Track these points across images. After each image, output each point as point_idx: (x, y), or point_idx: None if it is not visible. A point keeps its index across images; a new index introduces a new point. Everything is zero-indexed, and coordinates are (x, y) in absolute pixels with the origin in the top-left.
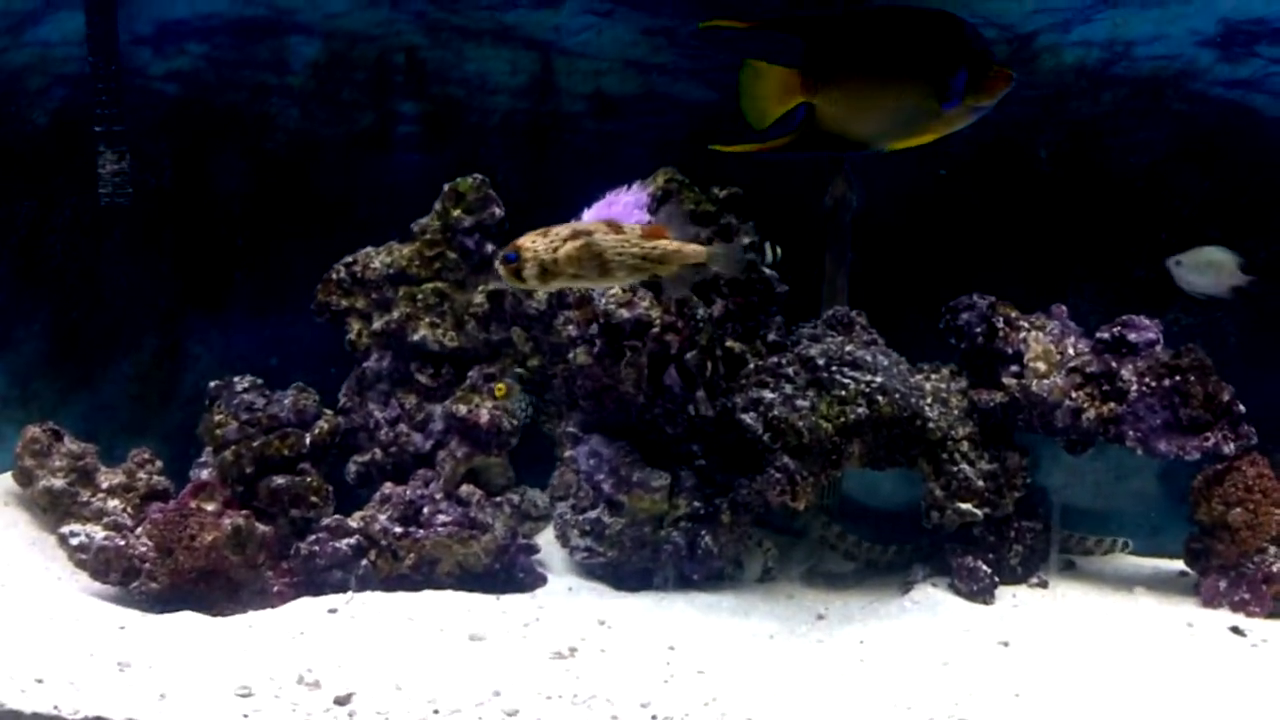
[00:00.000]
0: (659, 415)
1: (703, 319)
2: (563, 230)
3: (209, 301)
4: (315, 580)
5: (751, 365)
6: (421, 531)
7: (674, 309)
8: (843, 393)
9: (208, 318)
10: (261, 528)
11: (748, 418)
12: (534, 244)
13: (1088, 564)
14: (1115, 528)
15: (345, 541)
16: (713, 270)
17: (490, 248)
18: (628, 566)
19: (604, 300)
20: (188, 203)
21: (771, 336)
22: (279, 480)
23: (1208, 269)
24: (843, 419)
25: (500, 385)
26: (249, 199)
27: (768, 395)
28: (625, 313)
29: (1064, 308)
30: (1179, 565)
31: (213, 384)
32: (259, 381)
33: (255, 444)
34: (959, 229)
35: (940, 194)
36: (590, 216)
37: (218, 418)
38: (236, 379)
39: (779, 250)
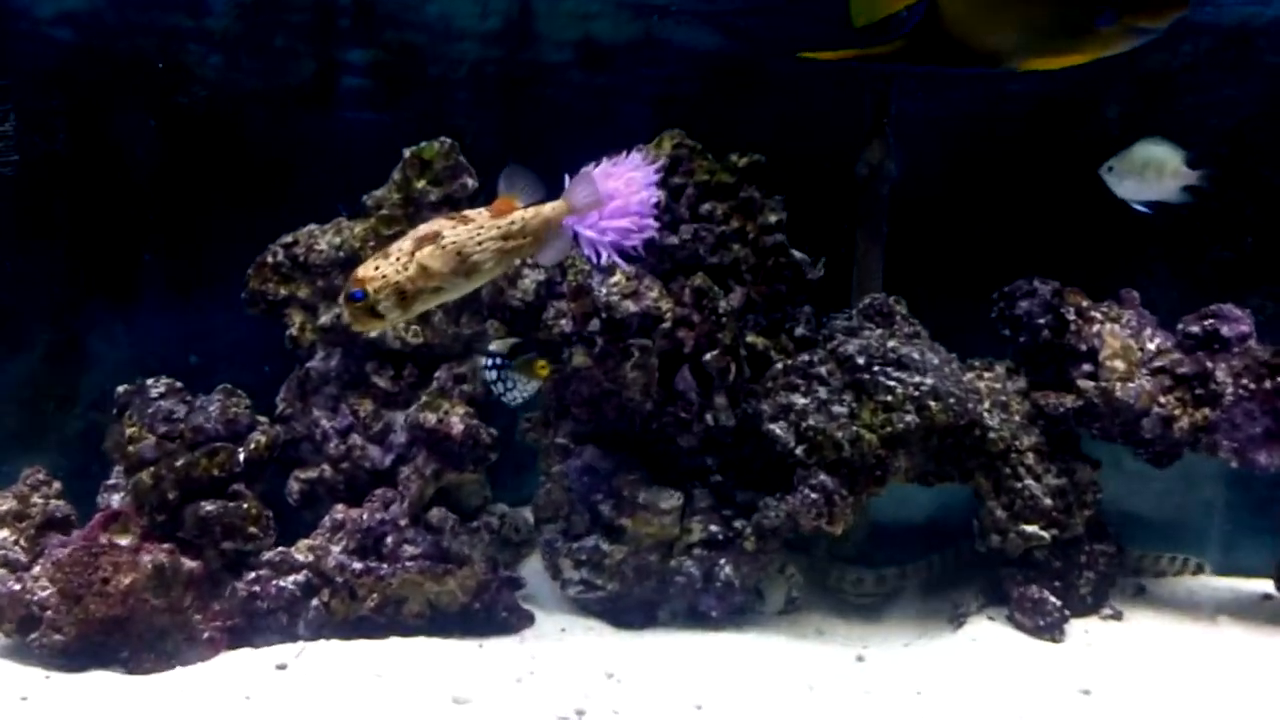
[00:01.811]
0: (669, 424)
1: (724, 312)
2: (403, 243)
3: (114, 289)
4: (256, 625)
5: (779, 365)
6: (385, 566)
7: (689, 300)
8: (888, 397)
9: (113, 308)
10: (188, 564)
11: (777, 428)
12: (378, 270)
13: (1159, 587)
14: (1185, 543)
15: (292, 579)
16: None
17: None
18: (629, 600)
19: (605, 291)
20: (86, 171)
21: (800, 330)
22: (208, 507)
23: (1146, 170)
24: (889, 428)
25: (542, 363)
26: (162, 166)
27: (799, 401)
28: (631, 305)
29: (1136, 294)
30: (1262, 586)
31: (122, 389)
32: (178, 385)
33: (178, 463)
34: (1005, 200)
35: (985, 159)
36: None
37: (130, 430)
38: (150, 382)
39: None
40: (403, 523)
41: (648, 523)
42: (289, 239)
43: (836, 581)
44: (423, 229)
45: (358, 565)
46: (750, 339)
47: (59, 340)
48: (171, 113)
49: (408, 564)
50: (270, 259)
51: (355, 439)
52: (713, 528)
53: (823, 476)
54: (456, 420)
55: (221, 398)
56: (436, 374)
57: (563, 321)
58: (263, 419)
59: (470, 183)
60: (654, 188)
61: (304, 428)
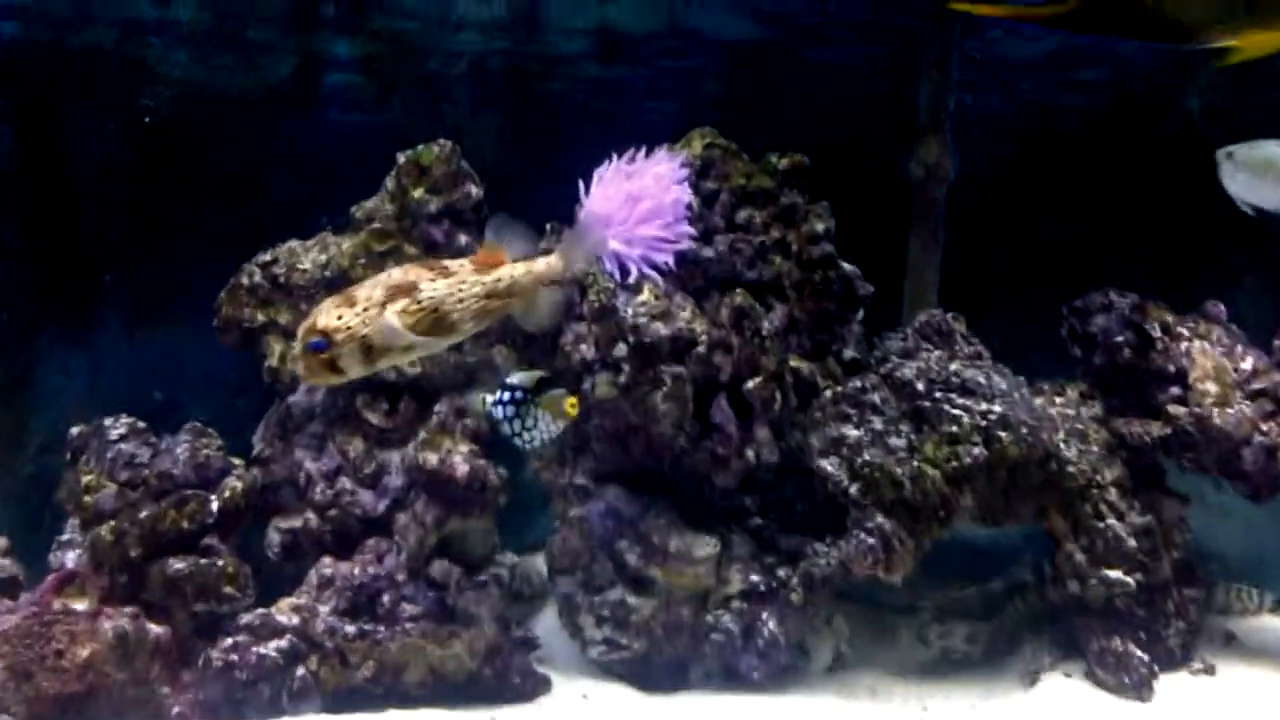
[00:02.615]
0: (704, 461)
1: (766, 334)
2: (374, 290)
3: (69, 314)
4: (234, 698)
5: (828, 393)
6: (382, 629)
7: (727, 320)
8: (953, 428)
9: (68, 336)
10: (155, 629)
11: (827, 464)
12: (343, 321)
13: (1249, 634)
14: (1270, 582)
15: (274, 645)
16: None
17: (464, 239)
18: (659, 660)
19: (632, 311)
20: (36, 181)
21: (849, 353)
22: (177, 564)
23: (1269, 172)
24: (954, 463)
25: (572, 400)
26: (122, 175)
27: (851, 433)
28: (661, 327)
29: (1222, 307)
30: None
31: (76, 430)
32: (140, 425)
33: (141, 515)
34: (1072, 203)
35: (1051, 157)
36: (598, 198)
37: (87, 479)
38: (109, 422)
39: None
40: (400, 578)
41: (680, 572)
42: (267, 257)
43: (920, 634)
44: (397, 275)
45: (350, 628)
46: (794, 363)
47: (6, 373)
48: (132, 116)
49: (407, 625)
50: (246, 280)
51: (344, 483)
52: (753, 577)
53: (880, 519)
54: (460, 460)
55: (190, 439)
56: (436, 408)
57: (583, 347)
58: (238, 461)
59: (474, 191)
60: (685, 186)
61: (285, 471)
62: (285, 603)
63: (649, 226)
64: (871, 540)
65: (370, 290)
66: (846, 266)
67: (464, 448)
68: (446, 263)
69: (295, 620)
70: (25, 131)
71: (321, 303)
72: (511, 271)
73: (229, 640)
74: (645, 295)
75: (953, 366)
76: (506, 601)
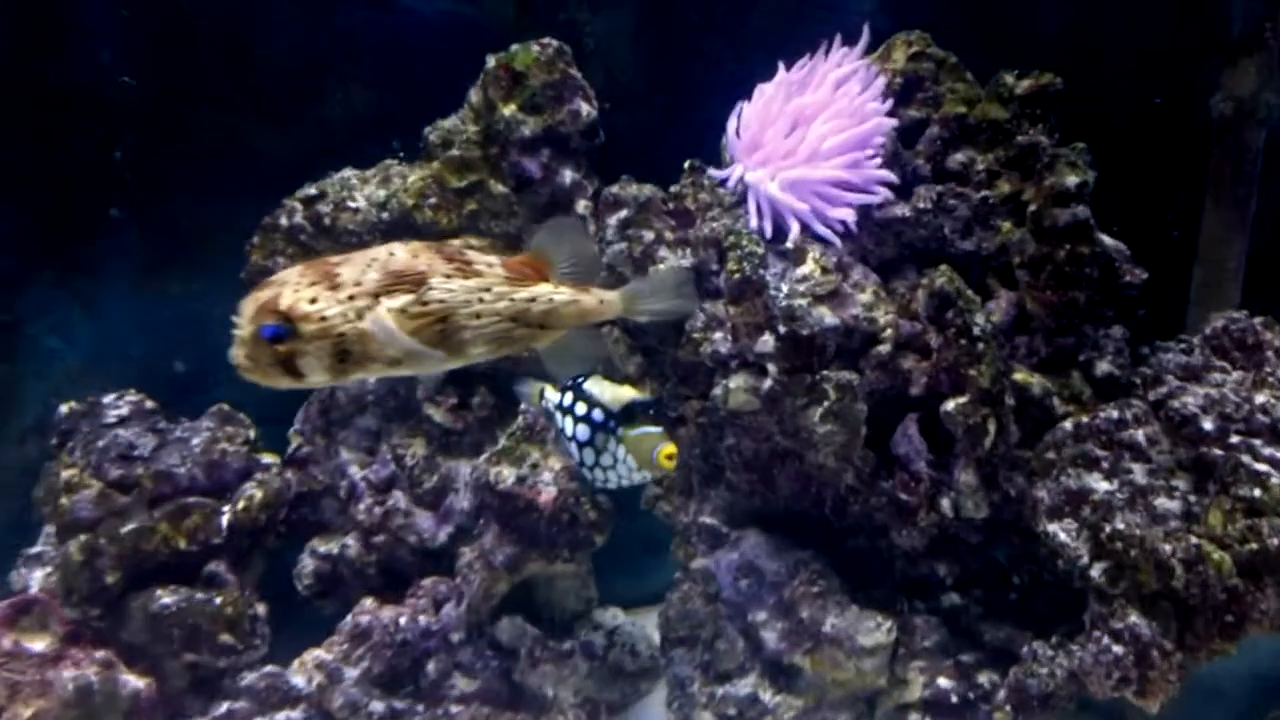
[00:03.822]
0: (880, 509)
1: (981, 333)
2: (365, 273)
3: (68, 259)
4: None
5: (1068, 424)
6: (422, 711)
7: (924, 309)
8: (1255, 491)
9: (66, 288)
10: (133, 683)
11: (1059, 529)
12: (316, 305)
13: None
14: None
15: (281, 718)
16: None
17: (569, 175)
18: None
19: (787, 288)
20: (25, 86)
21: (1103, 367)
22: (164, 599)
23: None
24: (1253, 544)
25: (669, 451)
26: (135, 80)
27: (1099, 485)
28: (828, 314)
29: None
30: None
31: (65, 408)
32: (149, 404)
33: (123, 530)
34: None
35: None
36: (754, 120)
37: (68, 474)
38: (109, 399)
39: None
40: (456, 637)
41: (837, 664)
42: (312, 190)
43: None
44: (402, 257)
45: (378, 706)
46: (1021, 377)
47: None
48: (144, 5)
49: (453, 710)
50: (284, 220)
51: (398, 499)
52: (943, 682)
53: (1134, 618)
54: (548, 480)
55: (213, 426)
56: (524, 404)
57: (716, 336)
58: (270, 459)
59: (584, 110)
60: (882, 109)
61: (326, 475)
62: (309, 657)
63: (823, 165)
64: (1119, 648)
65: (361, 270)
66: (1107, 241)
67: (555, 464)
68: (471, 255)
69: (313, 685)
70: (12, 24)
71: (288, 270)
72: (553, 295)
73: (224, 707)
74: (808, 267)
75: (1260, 399)
76: (600, 680)
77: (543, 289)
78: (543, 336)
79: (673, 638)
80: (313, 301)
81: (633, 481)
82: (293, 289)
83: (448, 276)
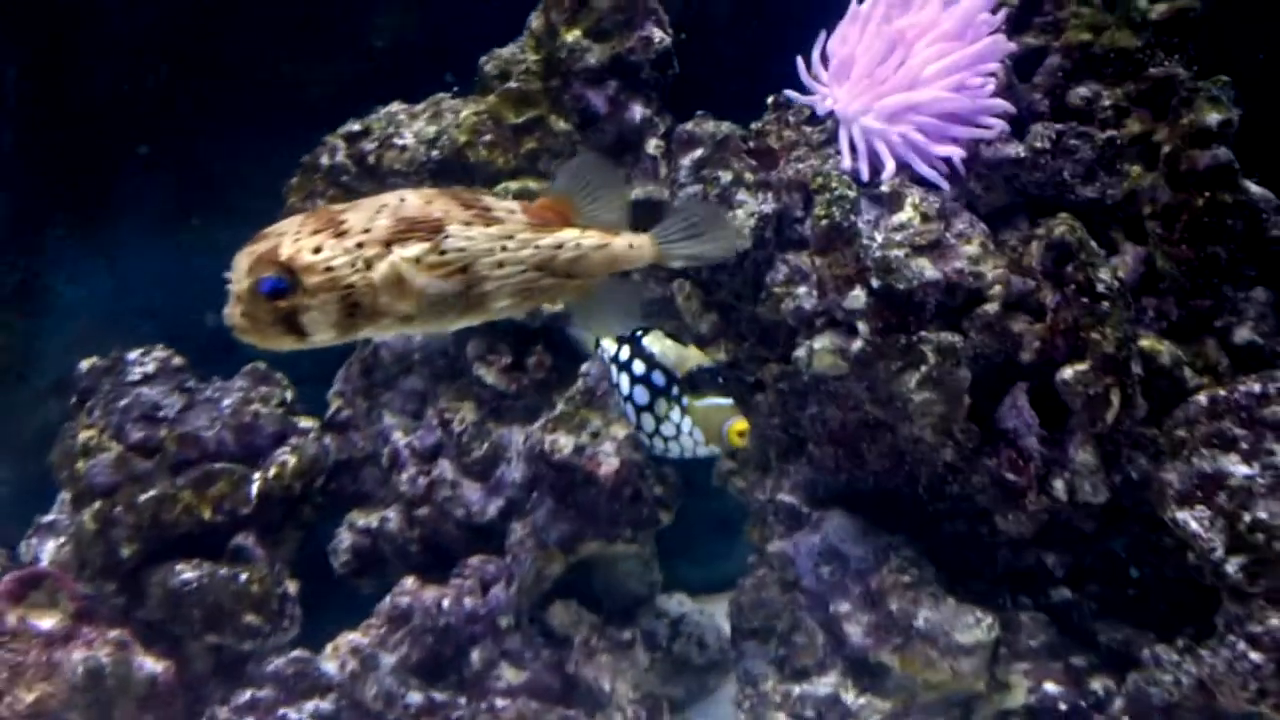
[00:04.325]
0: (982, 489)
1: (1107, 290)
2: (375, 219)
3: (90, 203)
4: None
5: (1201, 397)
6: (463, 706)
7: (1039, 263)
8: None
9: (87, 234)
10: (150, 665)
11: (1189, 516)
12: (321, 254)
13: None
14: None
15: (309, 710)
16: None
17: (639, 111)
18: None
19: (880, 238)
20: (37, 20)
21: (1243, 334)
22: (185, 574)
23: None
24: None
25: (740, 427)
26: (161, 8)
27: (1238, 470)
28: (928, 268)
29: None
30: None
31: (86, 365)
32: (176, 361)
33: (144, 496)
34: None
35: None
36: (845, 42)
37: (86, 435)
38: (134, 355)
39: None
40: (504, 622)
41: (931, 664)
42: (356, 126)
43: None
44: (415, 203)
45: (416, 697)
46: (1148, 343)
47: (8, 283)
48: None
49: (498, 704)
50: (325, 159)
51: (444, 468)
52: (1050, 687)
53: (1275, 620)
54: (609, 451)
55: (246, 386)
56: (584, 367)
57: (800, 291)
58: (308, 423)
59: (658, 37)
60: (996, 31)
61: (367, 442)
62: (343, 640)
63: (926, 93)
64: (1257, 655)
65: (369, 217)
66: (1253, 189)
67: (619, 431)
68: (489, 200)
69: (345, 672)
70: None
71: (286, 220)
72: (580, 239)
73: (246, 695)
74: (906, 213)
75: None
76: (663, 672)
77: (569, 234)
78: (571, 287)
79: (745, 629)
80: (316, 251)
81: (697, 455)
82: (293, 238)
83: (466, 224)
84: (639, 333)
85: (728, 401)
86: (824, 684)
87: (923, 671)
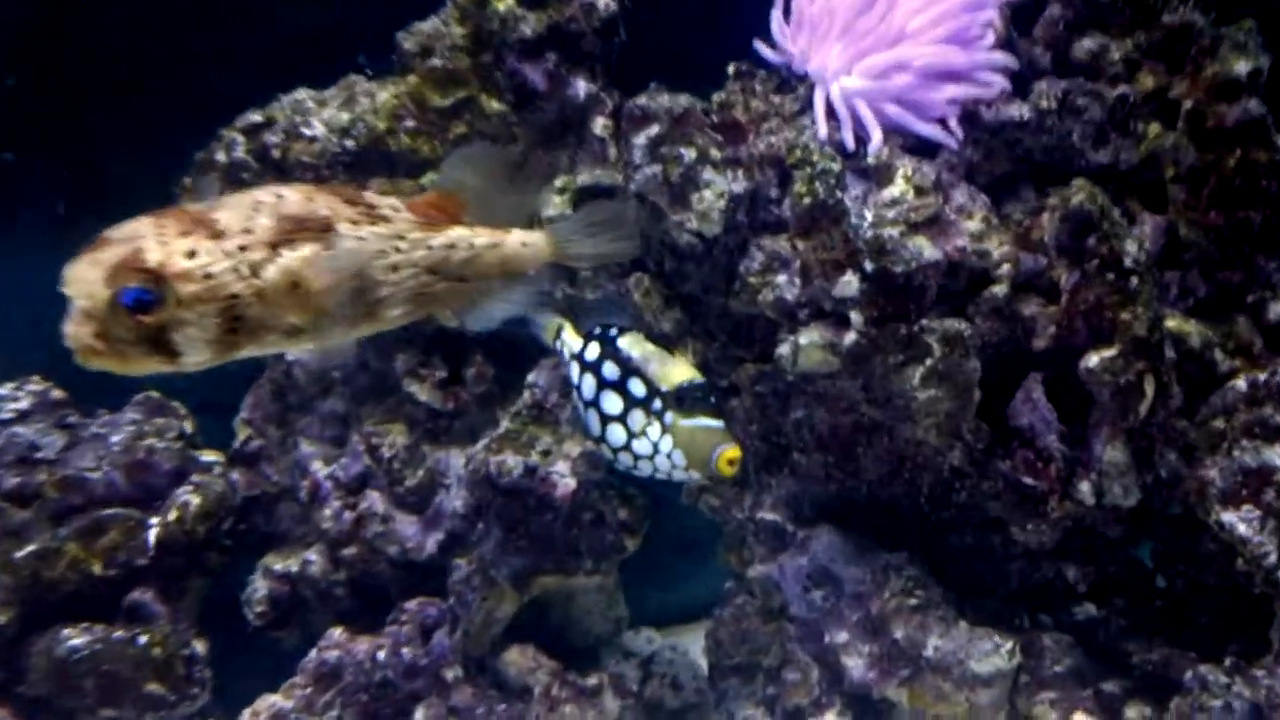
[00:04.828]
0: (996, 495)
1: (1132, 265)
2: (254, 218)
3: None
4: None
5: (1239, 382)
6: None
7: (1053, 238)
8: None
9: None
10: None
11: (1236, 518)
12: (196, 260)
13: None
14: None
15: None
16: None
17: (583, 87)
18: None
19: (871, 215)
20: None
21: (1278, 310)
22: (75, 640)
23: None
24: None
25: (732, 450)
26: None
27: None
28: (927, 247)
29: None
30: None
31: None
32: (54, 395)
33: (21, 554)
34: None
35: None
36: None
37: None
38: (5, 391)
39: None
40: (451, 674)
41: (944, 697)
42: (258, 117)
43: None
44: (295, 200)
45: None
46: (1174, 324)
47: None
48: None
49: None
50: (222, 155)
51: (373, 500)
52: (1079, 717)
53: None
54: (564, 471)
55: (138, 418)
56: (530, 377)
57: (780, 279)
58: (211, 457)
59: (602, 3)
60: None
61: (283, 475)
62: (263, 704)
63: (915, 48)
64: None
65: (246, 216)
66: None
67: (572, 449)
68: (372, 197)
69: None
70: None
71: (135, 222)
72: (472, 238)
73: None
74: (898, 187)
75: None
76: None
77: (459, 232)
78: (465, 292)
79: (725, 666)
80: (191, 256)
81: (671, 479)
82: (157, 241)
83: (354, 223)
84: (613, 332)
85: (719, 424)
86: None
87: (935, 707)
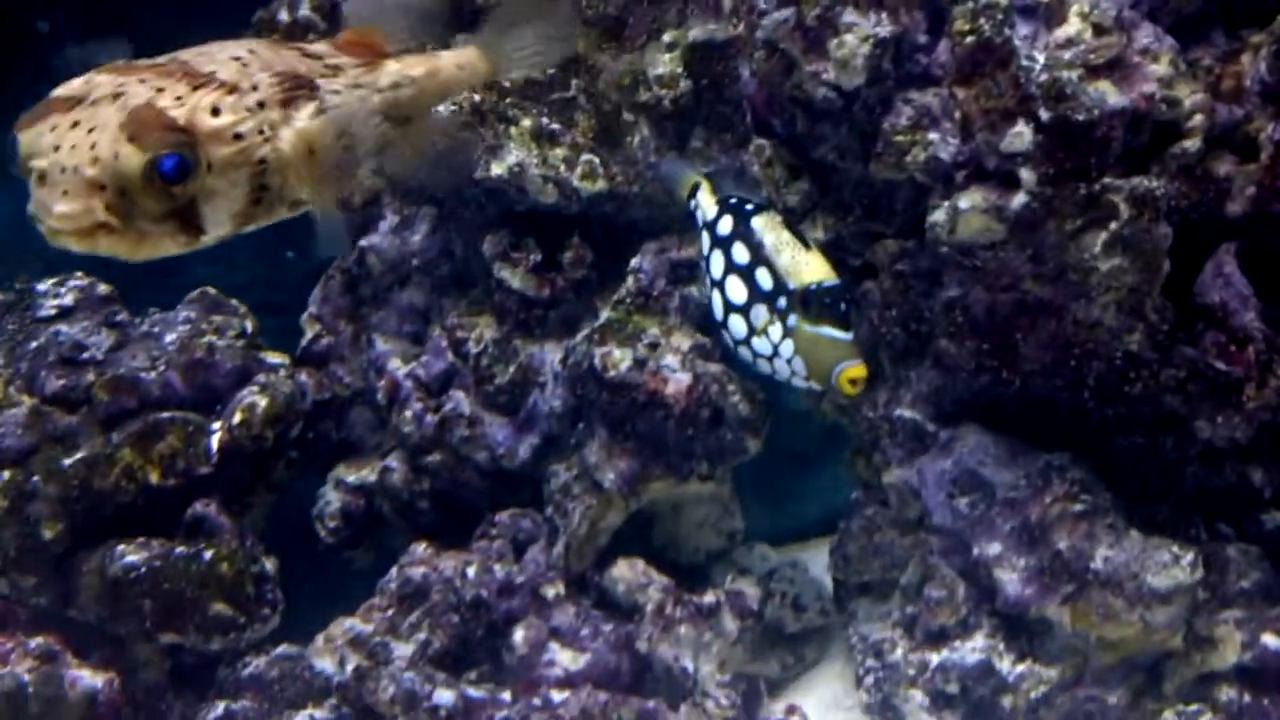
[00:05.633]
0: (1172, 388)
1: None
2: (251, 71)
3: None
4: None
5: None
6: (506, 700)
7: (1254, 84)
8: None
9: None
10: (86, 679)
11: None
12: (220, 116)
13: None
14: None
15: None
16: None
17: None
18: None
19: (1043, 57)
20: None
21: None
22: (131, 557)
23: None
24: None
25: (856, 368)
26: None
27: None
28: (1111, 92)
29: None
30: None
31: None
32: (101, 289)
33: (71, 460)
34: None
35: None
36: None
37: None
38: (45, 285)
39: None
40: (551, 591)
41: (1114, 616)
42: None
43: None
44: (267, 56)
45: (446, 697)
46: None
47: None
48: None
49: (555, 698)
50: (285, 14)
51: (459, 401)
52: (1271, 640)
53: None
54: (675, 365)
55: (194, 316)
56: (634, 262)
57: (932, 136)
58: (277, 359)
59: None
60: None
61: (357, 376)
62: (339, 629)
63: None
64: None
65: (239, 70)
66: None
67: (683, 341)
68: (318, 49)
69: (347, 671)
70: None
71: (99, 73)
72: (408, 71)
73: (218, 709)
74: (1074, 25)
75: None
76: (753, 645)
77: (394, 67)
78: (411, 135)
79: (854, 584)
80: (215, 113)
81: (789, 384)
82: (172, 97)
83: (323, 77)
84: (749, 206)
85: (846, 336)
86: (971, 649)
87: (1102, 627)
